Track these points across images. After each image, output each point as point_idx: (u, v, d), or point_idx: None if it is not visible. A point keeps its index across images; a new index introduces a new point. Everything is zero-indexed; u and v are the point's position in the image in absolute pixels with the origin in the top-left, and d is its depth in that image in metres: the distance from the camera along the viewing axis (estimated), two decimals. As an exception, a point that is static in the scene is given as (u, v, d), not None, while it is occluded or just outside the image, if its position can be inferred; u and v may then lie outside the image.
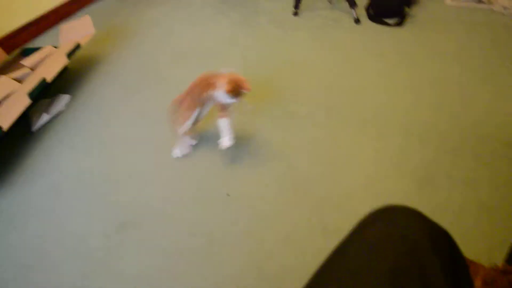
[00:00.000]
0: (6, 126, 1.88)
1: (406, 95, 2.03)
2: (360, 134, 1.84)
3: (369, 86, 2.13)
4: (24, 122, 2.25)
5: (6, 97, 2.16)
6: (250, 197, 1.62)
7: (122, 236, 1.54)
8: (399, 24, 2.65)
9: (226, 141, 1.69)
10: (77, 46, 2.44)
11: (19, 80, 2.31)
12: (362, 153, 1.75)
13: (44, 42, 3.16)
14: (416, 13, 2.77)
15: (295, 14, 2.96)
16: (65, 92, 2.45)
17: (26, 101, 2.02)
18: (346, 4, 2.99)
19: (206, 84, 1.70)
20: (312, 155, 1.77)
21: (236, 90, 1.62)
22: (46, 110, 2.29)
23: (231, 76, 1.63)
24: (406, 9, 2.79)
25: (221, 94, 1.63)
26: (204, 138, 1.94)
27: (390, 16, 2.73)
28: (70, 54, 2.36)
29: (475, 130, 1.79)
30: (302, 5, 3.07)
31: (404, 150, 1.73)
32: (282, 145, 1.84)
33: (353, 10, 2.75)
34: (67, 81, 2.57)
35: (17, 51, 2.75)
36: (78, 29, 2.60)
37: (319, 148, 1.80)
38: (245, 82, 1.62)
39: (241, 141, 1.87)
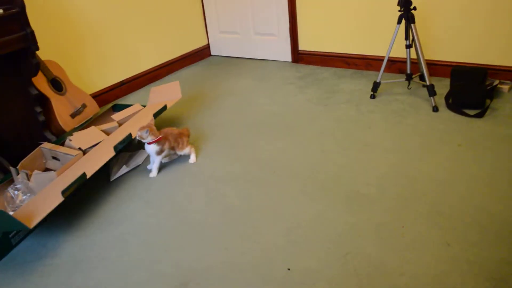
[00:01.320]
0: (89, 173, 2.02)
1: (482, 189, 1.95)
2: (433, 226, 1.77)
3: (442, 176, 2.08)
4: (104, 172, 2.40)
5: (93, 146, 2.34)
6: (312, 274, 1.59)
7: (179, 296, 1.55)
8: (479, 116, 2.60)
9: (153, 173, 2.34)
10: (164, 108, 2.62)
11: (107, 133, 2.50)
12: (434, 246, 1.67)
13: (134, 100, 3.43)
14: (498, 106, 2.71)
15: (372, 97, 3.00)
16: (144, 147, 2.60)
17: (111, 153, 2.17)
18: (425, 91, 3.00)
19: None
20: (381, 240, 1.72)
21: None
22: (126, 162, 2.44)
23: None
24: (488, 101, 2.74)
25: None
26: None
27: (470, 107, 2.69)
28: (156, 114, 2.54)
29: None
30: (380, 89, 3.12)
31: (479, 246, 1.63)
32: (351, 231, 1.81)
33: (432, 98, 2.74)
34: (148, 138, 2.74)
35: (109, 106, 2.99)
36: (167, 92, 2.80)
37: (388, 233, 1.74)
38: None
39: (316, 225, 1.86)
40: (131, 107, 2.78)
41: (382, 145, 2.39)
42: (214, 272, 1.65)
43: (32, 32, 2.28)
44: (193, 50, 4.21)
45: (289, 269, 1.62)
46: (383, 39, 3.38)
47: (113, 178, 2.34)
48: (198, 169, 2.35)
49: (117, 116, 2.66)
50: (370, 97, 3.02)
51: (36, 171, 2.10)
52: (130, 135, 2.31)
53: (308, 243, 1.73)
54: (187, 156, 2.45)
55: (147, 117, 2.52)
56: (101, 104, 3.34)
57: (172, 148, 2.37)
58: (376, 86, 2.97)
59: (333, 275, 1.57)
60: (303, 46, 3.83)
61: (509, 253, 1.60)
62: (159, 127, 2.39)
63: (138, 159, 2.47)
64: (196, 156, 2.46)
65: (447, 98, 2.81)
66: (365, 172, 2.16)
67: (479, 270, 1.54)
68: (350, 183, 2.09)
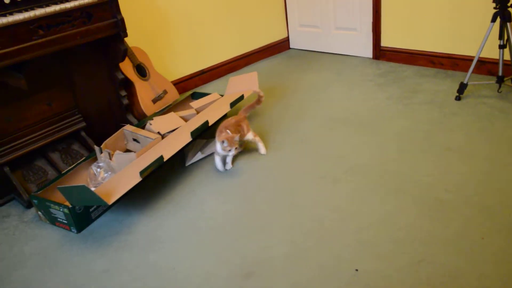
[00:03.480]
0: (166, 156, 2.09)
1: None
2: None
3: (534, 188, 1.91)
4: (180, 157, 2.48)
5: (172, 131, 2.42)
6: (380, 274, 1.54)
7: (242, 284, 1.57)
8: None
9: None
10: (241, 97, 2.65)
11: (185, 119, 2.58)
12: (491, 254, 1.55)
13: (212, 89, 3.50)
14: None
15: (458, 98, 2.84)
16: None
17: (187, 139, 2.24)
18: (518, 96, 2.78)
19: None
20: (458, 250, 1.62)
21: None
22: (201, 149, 2.50)
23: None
24: None
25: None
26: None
27: None
28: (233, 104, 2.57)
29: None
30: (467, 91, 2.94)
31: None
32: (426, 237, 1.73)
33: (525, 104, 2.54)
34: (223, 127, 2.79)
35: (188, 93, 3.08)
36: (245, 83, 2.83)
37: (466, 244, 1.64)
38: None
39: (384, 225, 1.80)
40: (209, 95, 2.84)
41: (464, 150, 2.25)
42: (278, 264, 1.64)
43: (122, 19, 2.39)
44: (272, 43, 4.22)
45: (357, 269, 1.58)
46: (472, 37, 3.17)
47: (188, 163, 2.41)
48: (269, 161, 2.36)
49: (196, 103, 2.73)
50: (455, 99, 2.85)
51: (117, 151, 2.22)
52: (207, 122, 2.36)
53: (378, 245, 1.68)
54: (260, 154, 2.44)
55: (224, 106, 2.56)
56: (181, 91, 3.45)
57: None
58: (462, 87, 2.80)
59: (403, 280, 1.51)
60: (385, 42, 3.70)
61: None
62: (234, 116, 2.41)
63: (213, 147, 2.52)
64: (266, 148, 2.46)
65: (542, 104, 2.59)
66: (444, 177, 2.05)
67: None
68: (427, 188, 1.99)
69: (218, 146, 2.21)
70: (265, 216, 1.93)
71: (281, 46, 4.33)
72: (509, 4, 2.51)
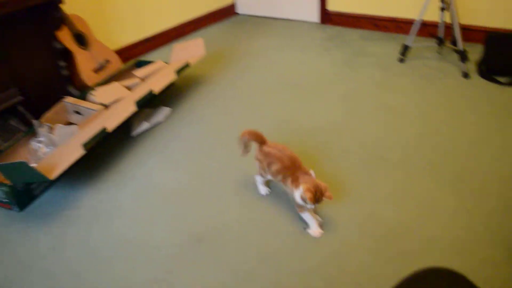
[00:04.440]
0: (110, 128, 2.02)
1: (507, 159, 1.88)
2: (452, 192, 1.73)
3: (467, 144, 2.01)
4: (125, 127, 2.41)
5: (115, 101, 2.34)
6: (327, 238, 1.58)
7: (195, 249, 1.57)
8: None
9: (314, 232, 1.59)
10: (187, 65, 2.59)
11: (129, 88, 2.50)
12: (454, 213, 1.63)
13: (157, 56, 3.40)
14: (534, 75, 2.59)
15: (401, 60, 2.90)
16: (166, 104, 2.60)
17: (132, 108, 2.17)
18: (457, 57, 2.88)
19: (292, 172, 1.62)
20: (399, 204, 1.69)
21: (316, 198, 1.51)
22: (147, 119, 2.44)
23: (315, 183, 1.53)
24: (523, 69, 2.62)
25: (298, 195, 1.56)
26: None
27: (503, 74, 2.58)
28: (179, 71, 2.51)
29: None
30: (410, 52, 3.01)
31: (499, 215, 1.59)
32: (367, 189, 1.78)
33: (462, 64, 2.63)
34: (170, 95, 2.73)
35: (131, 62, 2.98)
36: (190, 49, 2.76)
37: (407, 198, 1.72)
38: (327, 191, 1.53)
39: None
40: (154, 63, 2.76)
41: (407, 109, 2.32)
42: (230, 229, 1.66)
43: (56, -16, 2.25)
44: (218, 8, 4.12)
45: (304, 228, 1.62)
46: (414, 0, 3.23)
47: (134, 133, 2.35)
48: (217, 125, 2.34)
49: (140, 72, 2.65)
50: (399, 61, 2.92)
51: (58, 125, 2.12)
52: (151, 91, 2.30)
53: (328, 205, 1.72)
54: (207, 122, 2.40)
55: (170, 74, 2.50)
56: (124, 60, 3.33)
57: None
58: (405, 49, 2.87)
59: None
60: (331, 6, 3.70)
61: (534, 225, 1.55)
62: (181, 84, 2.35)
63: (159, 116, 2.47)
64: (215, 113, 2.44)
65: (479, 64, 2.69)
66: (387, 136, 2.11)
67: (498, 237, 1.51)
68: (372, 146, 2.05)
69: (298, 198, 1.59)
70: (213, 182, 1.93)
71: (228, 11, 4.24)
72: (448, -34, 2.56)
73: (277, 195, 1.81)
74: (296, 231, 1.62)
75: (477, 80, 2.59)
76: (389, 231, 1.58)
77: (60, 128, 2.09)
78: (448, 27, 3.03)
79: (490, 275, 1.38)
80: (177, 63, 2.64)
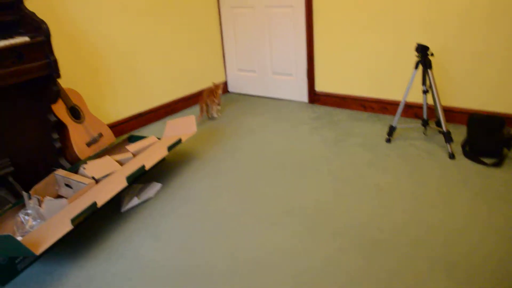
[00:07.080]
0: (100, 203, 2.01)
1: (496, 239, 1.89)
2: (444, 277, 1.71)
3: (455, 225, 2.02)
4: (114, 202, 2.39)
5: (107, 176, 2.34)
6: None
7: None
8: (497, 165, 2.56)
9: None
10: (179, 141, 2.63)
11: (121, 163, 2.51)
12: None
13: (150, 131, 3.46)
14: (516, 157, 2.67)
15: (388, 141, 2.99)
16: (157, 180, 2.60)
17: (123, 184, 2.17)
18: (442, 138, 2.97)
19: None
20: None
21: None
22: (137, 194, 2.43)
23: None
24: (505, 150, 2.70)
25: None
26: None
27: (487, 155, 2.66)
28: (170, 147, 2.55)
29: None
30: (396, 133, 3.11)
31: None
32: (363, 276, 1.76)
33: (448, 145, 2.71)
34: (161, 171, 2.75)
35: (124, 136, 3.02)
36: (182, 126, 2.83)
37: (399, 281, 1.69)
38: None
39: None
40: (146, 138, 2.80)
41: (397, 190, 2.35)
42: (220, 312, 1.60)
43: (55, 60, 2.34)
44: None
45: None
46: (399, 83, 3.39)
47: (124, 209, 2.33)
48: (206, 205, 2.33)
49: (132, 147, 2.68)
50: (386, 141, 3.00)
51: (47, 197, 2.10)
52: (143, 166, 2.31)
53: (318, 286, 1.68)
54: (198, 199, 2.41)
55: (162, 150, 2.53)
56: (117, 134, 3.37)
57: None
58: (391, 130, 2.96)
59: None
60: (319, 87, 3.86)
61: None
62: (172, 160, 2.38)
63: (150, 192, 2.46)
64: (207, 190, 2.44)
65: (463, 145, 2.78)
66: (377, 217, 2.12)
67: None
68: (363, 228, 2.05)
69: None
70: (204, 263, 1.89)
71: (220, 89, 4.38)
72: (429, 53, 2.72)
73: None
74: None
75: (462, 160, 2.66)
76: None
77: (48, 201, 2.07)
78: (432, 109, 3.16)
79: None
80: (170, 139, 2.69)
